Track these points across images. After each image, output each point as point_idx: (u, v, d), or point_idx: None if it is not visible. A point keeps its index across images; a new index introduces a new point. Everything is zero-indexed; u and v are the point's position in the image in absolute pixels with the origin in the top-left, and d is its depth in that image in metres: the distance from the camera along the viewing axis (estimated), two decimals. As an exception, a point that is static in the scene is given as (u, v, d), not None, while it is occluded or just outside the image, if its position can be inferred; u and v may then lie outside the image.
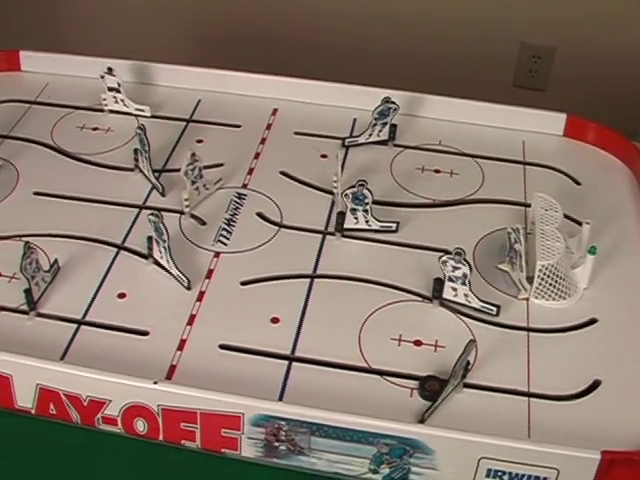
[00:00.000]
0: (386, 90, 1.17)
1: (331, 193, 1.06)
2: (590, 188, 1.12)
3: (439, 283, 0.93)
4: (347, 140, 1.15)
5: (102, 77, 1.17)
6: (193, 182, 1.03)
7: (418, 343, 0.90)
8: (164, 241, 0.92)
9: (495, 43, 1.95)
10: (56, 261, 0.95)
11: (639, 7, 1.86)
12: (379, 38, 2.03)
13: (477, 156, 1.15)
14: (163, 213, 0.94)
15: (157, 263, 0.96)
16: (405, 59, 2.02)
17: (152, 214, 0.92)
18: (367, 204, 0.99)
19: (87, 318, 0.91)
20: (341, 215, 1.00)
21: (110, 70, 1.16)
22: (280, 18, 2.08)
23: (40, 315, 0.91)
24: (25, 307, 0.91)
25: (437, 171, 1.12)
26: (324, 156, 1.11)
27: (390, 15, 1.99)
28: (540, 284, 0.95)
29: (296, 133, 1.17)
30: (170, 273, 0.95)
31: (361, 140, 1.15)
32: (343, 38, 2.04)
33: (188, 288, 0.94)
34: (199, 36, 2.16)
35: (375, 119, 1.14)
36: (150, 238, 0.95)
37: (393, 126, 1.15)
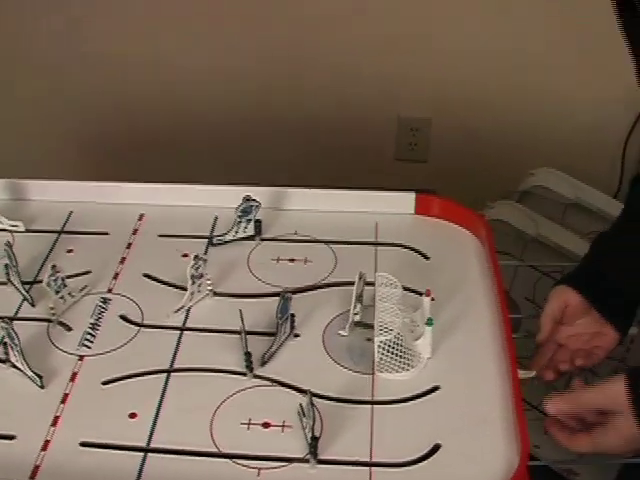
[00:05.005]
0: (248, 187, 1.25)
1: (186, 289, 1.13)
2: (439, 261, 1.21)
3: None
4: (215, 239, 1.23)
5: (-24, 197, 1.24)
6: (57, 292, 1.10)
7: (266, 425, 0.97)
8: (16, 345, 1.00)
9: (374, 120, 2.06)
10: None
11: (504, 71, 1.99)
12: (262, 126, 2.13)
13: (331, 241, 1.23)
14: (34, 322, 1.07)
15: (14, 366, 1.03)
16: (285, 144, 2.12)
17: (2, 321, 1.00)
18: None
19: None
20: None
21: (-17, 190, 1.24)
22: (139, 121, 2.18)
23: None
24: None
25: (292, 260, 1.20)
26: (185, 255, 1.19)
27: (268, 100, 2.10)
28: (381, 359, 1.03)
29: (160, 235, 1.25)
30: (25, 374, 1.02)
31: (228, 238, 1.23)
32: (213, 129, 2.15)
33: (41, 387, 1.01)
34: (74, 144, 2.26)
35: (239, 217, 1.22)
36: (5, 344, 1.02)
37: (258, 222, 1.23)
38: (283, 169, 1.85)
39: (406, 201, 1.28)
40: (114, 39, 2.11)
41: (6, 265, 1.14)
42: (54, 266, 1.09)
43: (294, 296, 1.09)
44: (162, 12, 2.06)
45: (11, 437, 0.97)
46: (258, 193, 1.23)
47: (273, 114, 2.09)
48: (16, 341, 1.00)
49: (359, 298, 1.09)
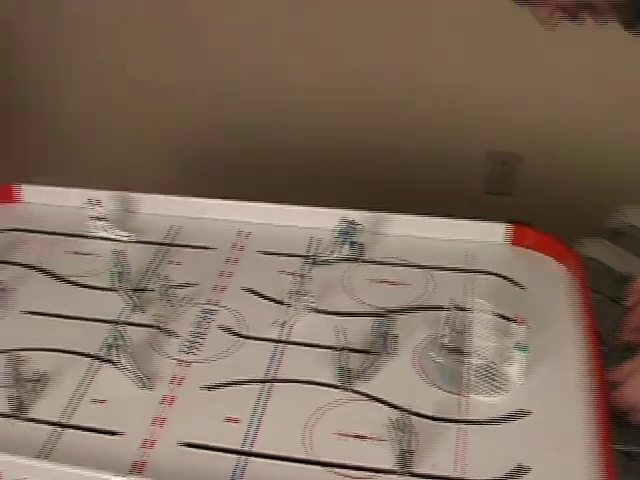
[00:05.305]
0: (345, 210, 1.31)
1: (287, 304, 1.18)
2: (530, 291, 1.23)
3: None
4: (314, 258, 1.28)
5: (89, 206, 1.31)
6: (166, 300, 1.16)
7: (360, 437, 1.01)
8: (127, 347, 1.07)
9: (464, 153, 2.11)
10: (41, 372, 1.08)
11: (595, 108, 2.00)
12: (355, 154, 2.18)
13: (426, 267, 1.27)
14: (140, 328, 1.13)
15: (121, 368, 1.09)
16: (382, 178, 2.17)
17: (113, 326, 1.08)
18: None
19: (69, 422, 1.03)
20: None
21: (96, 201, 1.31)
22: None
23: (28, 419, 1.04)
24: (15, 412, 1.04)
25: (388, 282, 1.24)
26: (282, 272, 1.25)
27: (363, 131, 2.15)
28: (474, 382, 1.06)
29: (259, 252, 1.31)
30: (131, 375, 1.07)
31: (329, 258, 1.28)
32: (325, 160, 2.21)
33: (149, 388, 1.07)
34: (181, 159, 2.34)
35: (337, 238, 1.27)
36: (113, 346, 1.07)
37: (359, 244, 1.28)
38: (378, 195, 1.89)
39: (498, 231, 1.32)
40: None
41: (115, 272, 1.21)
42: (165, 276, 1.16)
43: (390, 316, 1.13)
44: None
45: (112, 433, 1.02)
46: (355, 216, 1.29)
47: (369, 144, 2.15)
48: (126, 343, 1.06)
49: (451, 322, 1.13)
